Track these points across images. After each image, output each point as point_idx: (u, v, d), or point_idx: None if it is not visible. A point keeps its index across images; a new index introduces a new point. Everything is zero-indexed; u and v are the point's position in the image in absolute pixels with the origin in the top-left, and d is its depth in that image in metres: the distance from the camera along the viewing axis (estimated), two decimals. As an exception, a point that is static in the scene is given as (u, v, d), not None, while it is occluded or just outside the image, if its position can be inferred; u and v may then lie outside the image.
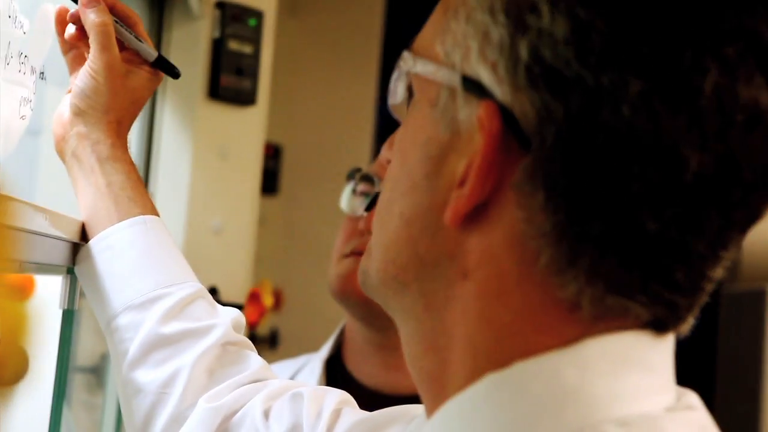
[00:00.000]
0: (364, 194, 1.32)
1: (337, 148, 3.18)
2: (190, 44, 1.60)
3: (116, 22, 0.99)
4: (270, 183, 2.85)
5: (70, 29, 1.01)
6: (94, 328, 1.47)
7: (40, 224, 0.84)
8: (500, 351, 0.54)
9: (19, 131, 0.96)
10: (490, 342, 0.54)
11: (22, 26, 0.92)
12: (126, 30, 1.00)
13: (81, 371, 1.44)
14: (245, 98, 1.64)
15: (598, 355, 0.52)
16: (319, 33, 3.20)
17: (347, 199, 1.34)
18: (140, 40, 1.01)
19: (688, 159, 0.49)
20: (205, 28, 1.60)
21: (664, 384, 0.55)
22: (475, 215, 0.53)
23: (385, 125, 3.21)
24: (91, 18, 0.97)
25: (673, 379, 0.56)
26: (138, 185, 0.98)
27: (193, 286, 0.96)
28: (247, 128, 1.67)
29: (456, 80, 0.54)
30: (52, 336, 0.99)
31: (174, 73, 1.03)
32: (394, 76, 0.61)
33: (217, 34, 1.60)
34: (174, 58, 1.60)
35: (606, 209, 0.50)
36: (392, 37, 3.29)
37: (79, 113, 0.97)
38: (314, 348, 1.66)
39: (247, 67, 1.62)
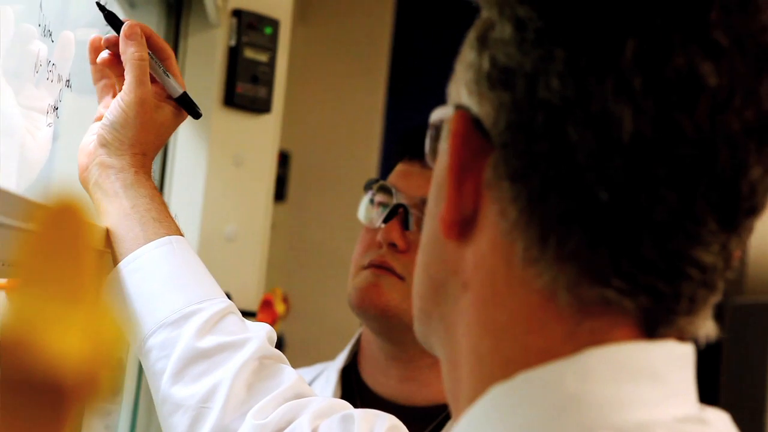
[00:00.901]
0: (382, 205, 1.32)
1: (345, 155, 3.19)
2: (207, 52, 1.61)
3: (150, 55, 1.00)
4: (278, 190, 2.86)
5: (104, 54, 1.02)
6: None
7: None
8: (499, 356, 0.55)
9: (42, 155, 0.97)
10: (490, 348, 0.55)
11: (50, 34, 0.93)
12: (157, 64, 1.01)
13: (119, 379, 1.44)
14: (260, 106, 1.64)
15: (600, 364, 0.52)
16: (329, 41, 3.21)
17: (365, 210, 1.34)
18: (168, 76, 1.02)
19: (621, 119, 0.50)
20: (222, 36, 1.61)
21: (676, 394, 0.54)
22: (469, 228, 0.56)
23: (394, 133, 3.21)
24: (131, 51, 0.98)
25: (692, 392, 0.56)
26: (162, 207, 0.99)
27: (223, 301, 0.97)
28: (261, 136, 1.67)
29: (451, 112, 0.57)
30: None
31: (195, 113, 1.05)
32: (428, 133, 0.63)
33: (233, 42, 1.61)
34: (190, 66, 1.61)
35: (561, 184, 0.51)
36: (401, 45, 3.30)
37: (105, 144, 0.99)
38: (320, 354, 1.66)
39: (263, 75, 1.63)
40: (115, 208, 0.97)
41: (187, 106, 1.04)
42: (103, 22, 1.08)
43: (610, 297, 0.52)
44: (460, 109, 0.56)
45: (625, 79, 0.50)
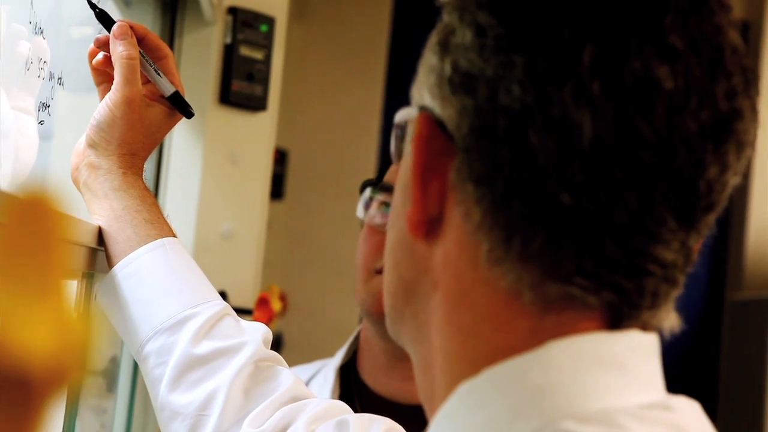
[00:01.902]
0: (385, 204, 1.29)
1: (343, 154, 3.19)
2: (202, 50, 1.61)
3: (141, 54, 0.99)
4: (276, 188, 2.86)
5: (98, 56, 1.01)
6: (105, 331, 1.47)
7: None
8: (467, 355, 0.55)
9: (32, 152, 0.96)
10: (459, 347, 0.56)
11: (42, 32, 0.93)
12: (149, 63, 1.00)
13: (91, 374, 1.44)
14: (256, 104, 1.64)
15: (562, 355, 0.53)
16: (326, 38, 3.21)
17: (362, 212, 1.32)
18: (159, 75, 1.01)
19: (581, 125, 0.51)
20: (217, 33, 1.61)
21: (640, 382, 0.55)
22: (436, 227, 0.56)
23: (391, 131, 3.21)
24: (119, 50, 0.97)
25: (658, 381, 0.56)
26: (154, 208, 0.99)
27: (218, 304, 0.97)
28: (257, 134, 1.67)
29: (415, 113, 0.58)
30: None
31: (188, 112, 1.04)
32: (393, 133, 0.63)
33: (228, 40, 1.61)
34: (185, 64, 1.61)
35: (523, 187, 0.52)
36: (399, 43, 3.29)
37: (92, 144, 0.98)
38: (318, 351, 1.66)
39: (258, 73, 1.63)
40: (105, 209, 0.97)
41: (179, 106, 1.03)
42: (95, 19, 1.08)
43: (574, 293, 0.53)
44: (424, 110, 0.57)
45: (584, 84, 0.51)
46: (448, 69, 0.55)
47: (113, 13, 1.30)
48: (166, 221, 1.00)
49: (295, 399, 0.95)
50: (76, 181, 1.00)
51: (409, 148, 0.59)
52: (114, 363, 1.49)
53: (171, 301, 0.95)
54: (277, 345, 3.04)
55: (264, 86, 1.64)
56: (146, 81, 1.01)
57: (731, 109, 0.53)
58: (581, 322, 0.54)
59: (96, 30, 1.15)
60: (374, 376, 1.33)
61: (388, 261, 0.61)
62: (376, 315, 1.27)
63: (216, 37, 1.60)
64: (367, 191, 1.32)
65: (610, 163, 0.51)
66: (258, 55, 1.63)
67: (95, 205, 0.98)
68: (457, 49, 0.55)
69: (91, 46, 1.02)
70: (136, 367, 1.47)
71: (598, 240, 0.52)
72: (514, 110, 0.52)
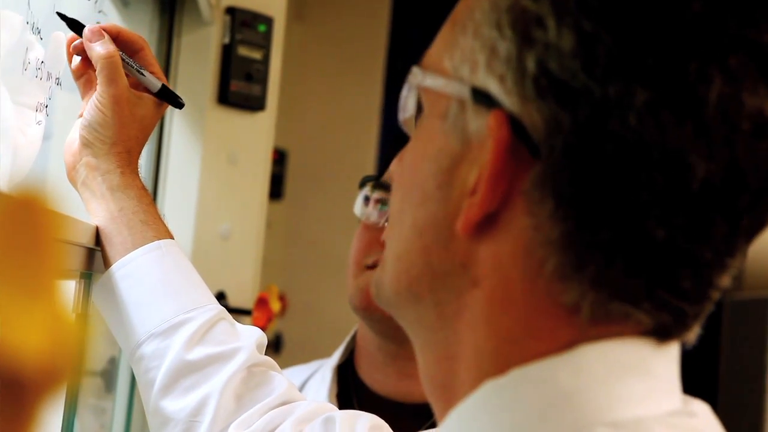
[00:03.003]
0: (382, 203, 1.30)
1: (343, 154, 3.19)
2: (200, 50, 1.61)
3: (121, 55, 0.99)
4: (275, 188, 2.86)
5: (76, 60, 1.01)
6: (104, 332, 1.47)
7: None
8: (498, 357, 0.54)
9: (33, 148, 0.96)
10: (492, 349, 0.55)
11: (39, 32, 0.92)
12: (129, 61, 1.00)
13: (90, 375, 1.44)
14: (254, 104, 1.64)
15: (594, 360, 0.52)
16: (325, 38, 3.21)
17: (360, 207, 1.33)
18: (142, 73, 1.00)
19: (695, 167, 0.49)
20: (215, 33, 1.61)
21: (667, 390, 0.55)
22: (486, 224, 0.54)
23: (391, 131, 3.21)
24: (97, 51, 0.97)
25: (677, 384, 0.56)
26: (150, 208, 0.98)
27: (213, 308, 0.97)
28: (255, 134, 1.67)
29: (465, 92, 0.55)
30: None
31: (178, 103, 1.03)
32: (404, 91, 0.61)
33: (226, 40, 1.61)
34: (184, 64, 1.61)
35: (614, 217, 0.50)
36: (398, 42, 3.29)
37: (87, 144, 0.98)
38: (318, 352, 1.66)
39: (257, 73, 1.62)
40: (102, 210, 0.97)
41: (168, 99, 1.03)
42: (94, 19, 1.07)
43: (632, 313, 0.52)
44: (495, 105, 0.53)
45: (706, 125, 0.49)
46: (531, 66, 0.51)
47: (111, 13, 1.30)
48: (163, 222, 1.00)
49: (285, 403, 0.95)
50: (72, 181, 1.00)
51: (446, 127, 0.56)
52: (112, 363, 1.48)
53: (165, 304, 0.95)
54: (276, 345, 3.04)
55: (262, 86, 1.64)
56: (129, 74, 1.01)
57: None
58: (624, 332, 0.53)
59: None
60: (371, 375, 1.33)
61: (410, 242, 0.58)
62: (361, 310, 1.28)
63: (214, 38, 1.60)
64: (366, 188, 1.32)
65: (713, 205, 0.50)
66: (256, 55, 1.63)
67: (93, 204, 0.98)
68: (548, 48, 0.51)
69: (67, 42, 1.01)
70: (134, 367, 1.47)
71: (677, 273, 0.52)
72: (626, 140, 0.49)
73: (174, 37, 1.60)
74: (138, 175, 1.00)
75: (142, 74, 1.01)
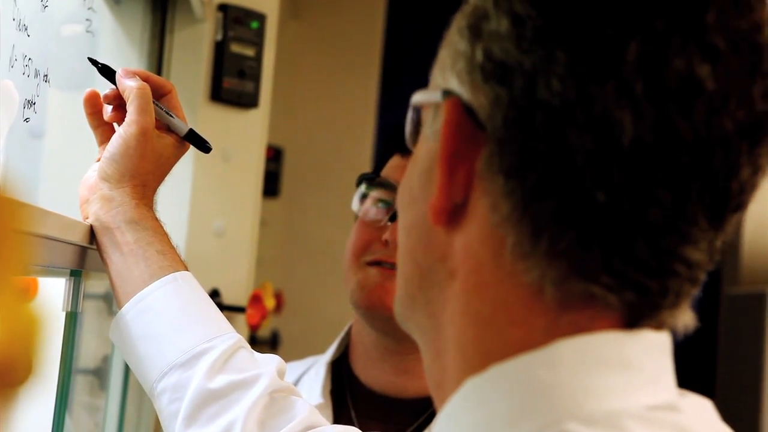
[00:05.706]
0: (382, 201, 1.30)
1: (338, 151, 3.19)
2: (193, 47, 1.60)
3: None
4: (271, 185, 2.86)
5: (107, 110, 1.02)
6: (97, 330, 1.47)
7: (44, 227, 0.84)
8: (480, 348, 0.55)
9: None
10: (472, 339, 0.55)
11: (26, 29, 0.92)
12: (159, 106, 1.02)
13: (83, 373, 1.44)
14: (247, 101, 1.64)
15: (571, 354, 0.52)
16: (321, 35, 3.21)
17: (358, 203, 1.32)
18: (171, 115, 1.03)
19: (623, 125, 0.50)
20: (208, 30, 1.60)
21: (650, 382, 0.54)
22: (458, 215, 0.55)
23: (387, 128, 3.21)
24: (130, 84, 0.99)
25: (669, 379, 0.56)
26: (165, 239, 1.00)
27: (232, 336, 0.98)
28: (249, 131, 1.67)
29: (438, 96, 0.57)
30: (55, 338, 1.00)
31: (206, 148, 1.06)
32: (409, 115, 0.62)
33: (219, 37, 1.61)
34: (176, 61, 1.61)
35: (557, 184, 0.51)
36: (393, 39, 3.29)
37: (105, 178, 0.99)
38: (315, 349, 1.65)
39: (250, 70, 1.62)
40: (117, 244, 0.98)
41: (195, 143, 1.04)
42: (83, 16, 1.07)
43: (596, 292, 0.52)
44: (452, 95, 0.55)
45: (627, 83, 0.50)
46: (479, 56, 0.54)
47: (102, 10, 1.30)
48: (176, 252, 1.01)
49: (308, 428, 0.96)
50: (84, 214, 1.01)
51: (427, 132, 0.58)
52: (106, 361, 1.48)
53: (185, 336, 0.96)
54: (273, 342, 3.04)
55: (255, 83, 1.64)
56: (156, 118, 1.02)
57: (767, 110, 0.52)
58: (597, 321, 0.53)
59: (84, 27, 1.14)
60: (366, 370, 1.33)
61: (402, 245, 0.60)
62: (364, 308, 1.28)
63: (207, 35, 1.60)
64: (363, 185, 1.32)
65: (649, 163, 0.51)
66: (249, 52, 1.62)
67: (106, 238, 0.98)
68: (491, 36, 0.54)
69: (87, 96, 1.03)
70: (127, 366, 1.47)
71: (630, 239, 0.52)
72: (553, 105, 0.51)
73: (166, 33, 1.60)
74: (152, 209, 1.02)
75: (171, 116, 1.02)
